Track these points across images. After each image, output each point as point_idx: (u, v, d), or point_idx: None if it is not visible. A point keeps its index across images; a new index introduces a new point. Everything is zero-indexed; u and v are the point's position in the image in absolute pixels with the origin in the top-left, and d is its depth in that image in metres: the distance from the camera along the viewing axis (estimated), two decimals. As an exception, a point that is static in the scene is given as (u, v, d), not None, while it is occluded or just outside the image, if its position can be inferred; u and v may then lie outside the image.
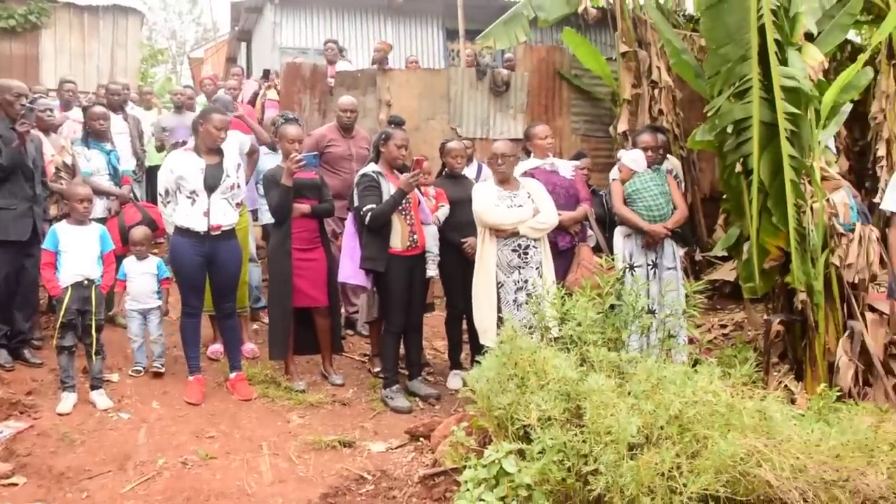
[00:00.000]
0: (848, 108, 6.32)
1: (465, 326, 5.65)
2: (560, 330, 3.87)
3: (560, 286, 4.26)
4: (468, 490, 3.11)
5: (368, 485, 3.92)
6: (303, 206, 5.26)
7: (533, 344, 3.60)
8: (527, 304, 4.79)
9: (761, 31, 4.59)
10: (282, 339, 5.30)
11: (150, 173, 7.67)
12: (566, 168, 5.55)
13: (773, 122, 4.67)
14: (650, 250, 5.34)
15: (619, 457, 2.86)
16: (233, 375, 5.19)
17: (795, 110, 4.64)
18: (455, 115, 8.63)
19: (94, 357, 4.82)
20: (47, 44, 13.87)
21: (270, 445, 4.41)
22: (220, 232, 4.91)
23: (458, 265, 5.38)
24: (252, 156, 5.97)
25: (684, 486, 2.77)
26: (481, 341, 4.96)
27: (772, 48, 4.58)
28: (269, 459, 4.24)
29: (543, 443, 3.02)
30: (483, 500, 3.05)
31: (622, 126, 8.06)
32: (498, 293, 4.94)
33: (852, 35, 8.51)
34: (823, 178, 5.22)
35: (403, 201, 5.07)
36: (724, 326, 6.98)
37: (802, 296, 4.95)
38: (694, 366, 3.53)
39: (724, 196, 5.36)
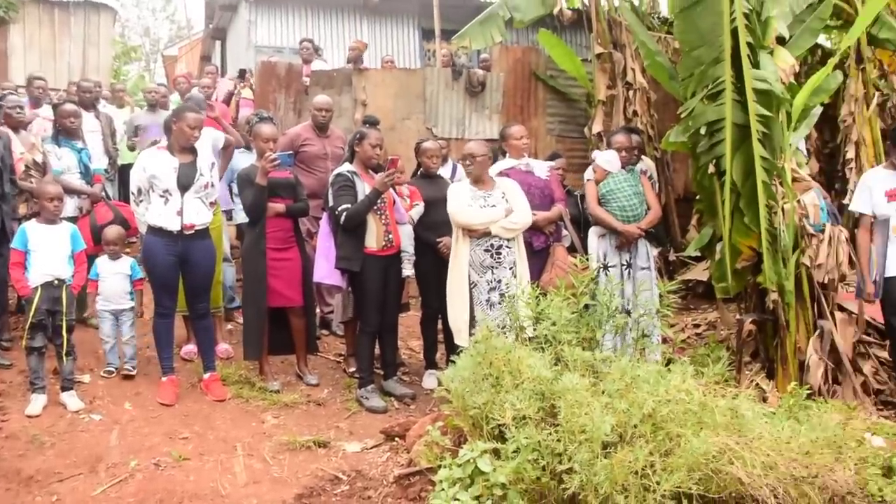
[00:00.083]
0: (818, 110, 6.42)
1: (440, 326, 5.65)
2: (535, 329, 3.89)
3: (535, 286, 4.27)
4: (443, 489, 3.12)
5: (343, 485, 3.91)
6: (277, 206, 5.23)
7: (508, 343, 3.61)
8: (500, 304, 4.81)
9: (734, 34, 4.65)
10: (256, 339, 5.27)
11: (123, 172, 7.59)
12: (541, 168, 5.57)
13: (746, 124, 4.73)
14: (624, 250, 5.38)
15: (594, 455, 2.88)
16: (206, 376, 5.15)
17: (767, 112, 4.70)
18: (431, 115, 8.63)
19: (64, 358, 4.76)
20: (16, 39, 13.67)
21: (245, 446, 4.38)
22: (193, 231, 4.87)
23: (434, 265, 5.38)
24: (227, 150, 5.91)
25: (657, 484, 2.79)
26: (456, 341, 4.97)
27: (744, 51, 4.64)
28: (244, 460, 4.21)
29: (518, 442, 3.03)
30: (458, 500, 3.05)
31: (597, 127, 8.10)
32: (471, 293, 4.96)
33: (822, 39, 8.61)
34: (794, 180, 5.29)
35: (378, 201, 5.06)
36: (697, 326, 7.04)
37: (774, 295, 5.01)
38: (667, 365, 3.56)
39: (698, 197, 5.42)
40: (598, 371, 3.50)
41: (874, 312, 5.35)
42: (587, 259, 5.17)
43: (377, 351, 5.41)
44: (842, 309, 5.46)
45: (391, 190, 5.21)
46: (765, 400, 4.72)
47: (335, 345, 6.45)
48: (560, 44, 8.70)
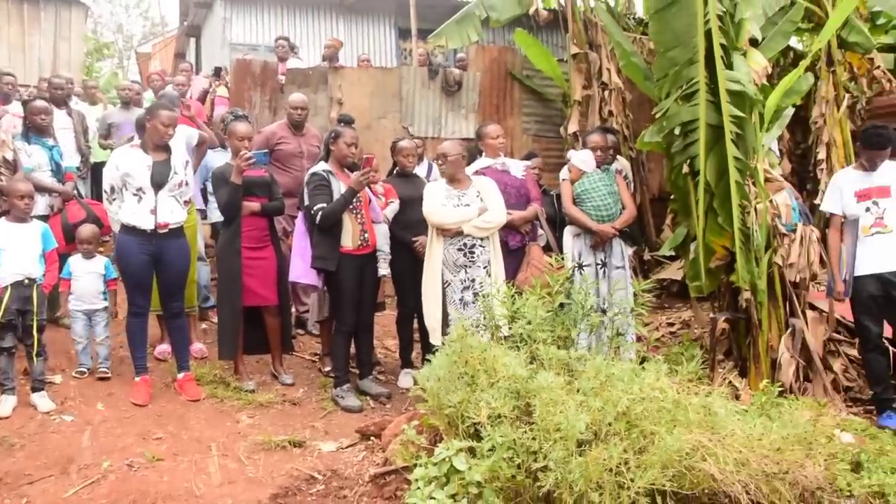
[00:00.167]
0: (790, 112, 6.50)
1: (416, 325, 5.65)
2: (510, 328, 3.90)
3: (510, 285, 4.29)
4: (419, 488, 3.12)
5: (319, 484, 3.90)
6: (252, 205, 5.20)
7: (483, 342, 3.62)
8: (474, 303, 4.83)
9: (708, 35, 4.69)
10: (231, 338, 5.24)
11: (96, 170, 7.49)
12: (517, 168, 5.59)
13: (719, 125, 4.77)
14: (599, 250, 5.41)
15: (568, 453, 2.90)
16: (181, 376, 5.11)
17: (740, 113, 4.75)
18: (407, 114, 8.62)
19: (35, 358, 4.69)
20: (-17, 33, 13.46)
21: (219, 446, 4.34)
22: (167, 230, 4.83)
23: (409, 264, 5.37)
24: (200, 147, 5.87)
25: (632, 481, 2.82)
26: (431, 340, 4.98)
27: (718, 52, 4.68)
28: (218, 460, 4.18)
29: (493, 440, 3.05)
30: (434, 498, 3.06)
31: (573, 127, 8.15)
32: (445, 292, 4.96)
33: (794, 42, 8.72)
34: (767, 180, 5.36)
35: (354, 200, 5.05)
36: (671, 325, 7.10)
37: (747, 294, 5.07)
38: (641, 363, 3.59)
39: (672, 196, 5.46)
40: (572, 369, 3.52)
41: (844, 311, 5.42)
42: (562, 258, 5.20)
43: (353, 350, 5.40)
44: (813, 308, 5.53)
45: (366, 189, 5.20)
46: (738, 397, 4.77)
47: (311, 344, 6.43)
48: (536, 44, 8.74)
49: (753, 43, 5.43)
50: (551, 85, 9.02)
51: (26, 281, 4.67)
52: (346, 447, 4.35)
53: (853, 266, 5.03)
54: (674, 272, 7.71)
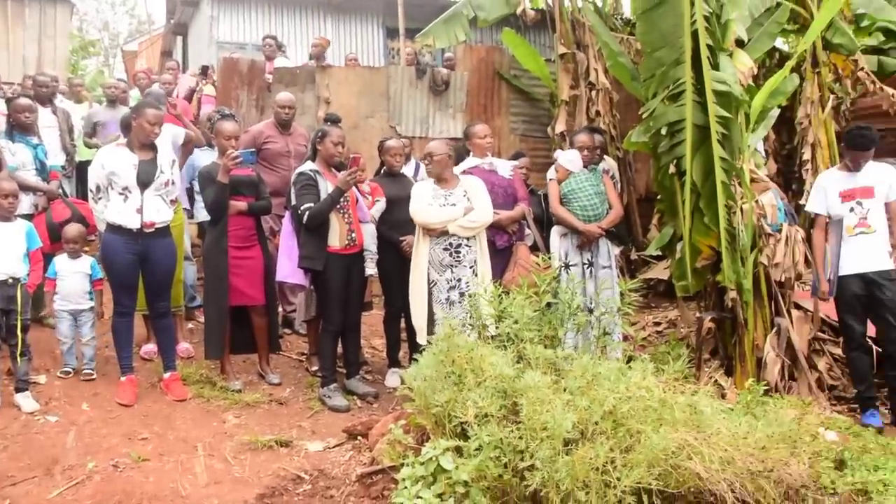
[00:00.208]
0: (776, 112, 6.53)
1: (403, 325, 5.65)
2: (497, 328, 3.91)
3: (497, 284, 4.29)
4: (406, 488, 3.12)
5: (306, 484, 3.89)
6: (239, 204, 5.19)
7: (470, 342, 3.63)
8: (460, 302, 4.83)
9: (694, 36, 4.71)
10: (218, 338, 5.22)
11: (81, 169, 7.45)
12: (505, 167, 5.59)
13: (705, 125, 4.80)
14: (585, 249, 5.43)
15: (555, 452, 2.91)
16: (167, 375, 5.08)
17: (726, 114, 4.78)
18: (394, 113, 8.62)
19: (19, 358, 4.66)
20: (-34, 31, 13.34)
21: (205, 446, 4.33)
22: (153, 229, 4.80)
23: (397, 264, 5.37)
24: (187, 146, 5.84)
25: (618, 479, 2.83)
26: (417, 340, 4.98)
27: (704, 53, 4.71)
28: (204, 460, 4.16)
29: (480, 439, 3.05)
30: (421, 498, 3.06)
31: (560, 126, 8.17)
32: (431, 291, 4.96)
33: (780, 43, 8.78)
34: (752, 180, 5.39)
35: (341, 199, 5.04)
36: (658, 324, 7.14)
37: (732, 294, 5.10)
38: (628, 362, 3.60)
39: (659, 196, 5.48)
40: (559, 369, 3.53)
41: (829, 310, 5.47)
42: (549, 258, 5.21)
43: (340, 350, 5.39)
44: (798, 307, 5.58)
45: (354, 188, 5.20)
46: (723, 396, 4.80)
47: (298, 344, 6.42)
48: (524, 43, 8.76)
49: (739, 44, 5.45)
50: (539, 85, 9.04)
51: (10, 280, 4.63)
52: (333, 447, 4.35)
53: (837, 266, 5.07)
54: (660, 272, 7.75)
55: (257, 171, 5.50)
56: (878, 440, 4.06)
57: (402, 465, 3.27)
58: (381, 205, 5.48)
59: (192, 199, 6.47)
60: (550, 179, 5.65)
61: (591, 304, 5.15)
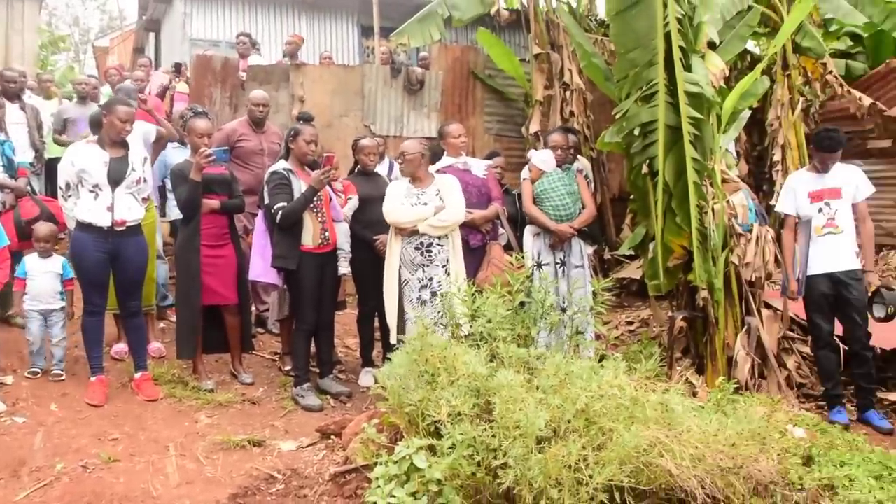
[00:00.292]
0: (747, 114, 6.63)
1: (377, 324, 5.64)
2: (470, 327, 3.92)
3: (471, 283, 4.30)
4: (379, 486, 3.11)
5: (279, 484, 3.87)
6: (212, 202, 5.15)
7: (443, 341, 3.63)
8: (431, 301, 4.83)
9: (667, 37, 4.75)
10: (190, 337, 5.18)
11: (50, 166, 7.35)
12: (479, 167, 5.61)
13: (678, 126, 4.84)
14: (558, 249, 5.46)
15: (528, 450, 2.92)
16: (138, 375, 5.03)
17: (698, 115, 4.82)
18: (369, 112, 8.60)
19: (-14, 358, 4.59)
20: (-71, 24, 13.07)
21: (177, 446, 4.29)
22: (124, 227, 4.75)
23: (370, 263, 5.36)
24: (158, 142, 5.79)
25: (590, 477, 2.85)
26: (390, 339, 4.98)
27: (677, 54, 4.74)
28: (176, 461, 4.13)
29: (453, 438, 3.05)
30: (394, 497, 3.05)
31: (534, 126, 8.20)
32: (403, 290, 4.96)
33: (751, 46, 8.90)
34: (724, 181, 5.45)
35: (315, 198, 5.02)
36: (630, 323, 7.19)
37: (704, 293, 5.15)
38: (600, 361, 3.63)
39: (632, 196, 5.52)
40: (532, 367, 3.54)
41: (798, 309, 5.54)
42: (523, 257, 5.22)
43: (313, 349, 5.37)
44: (768, 306, 5.64)
45: (327, 187, 5.18)
46: (695, 394, 4.85)
47: (271, 343, 6.38)
48: (499, 43, 8.78)
49: (711, 46, 5.52)
50: (513, 85, 9.07)
51: (-23, 279, 4.56)
52: (307, 446, 4.33)
53: (806, 266, 5.14)
54: (633, 271, 7.80)
55: (230, 170, 5.46)
56: (844, 436, 4.12)
57: (376, 464, 3.26)
58: (353, 203, 5.47)
59: (164, 197, 6.41)
60: (524, 179, 5.68)
61: (563, 303, 5.18)
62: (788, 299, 5.38)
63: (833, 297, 5.06)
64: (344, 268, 5.32)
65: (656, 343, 5.88)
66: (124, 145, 4.82)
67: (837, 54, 9.77)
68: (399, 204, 5.00)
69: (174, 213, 6.06)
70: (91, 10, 31.42)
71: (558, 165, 5.60)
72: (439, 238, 4.96)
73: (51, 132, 7.60)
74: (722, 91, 5.36)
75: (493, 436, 3.03)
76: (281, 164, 5.16)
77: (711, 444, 3.01)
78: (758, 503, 3.08)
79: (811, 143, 5.57)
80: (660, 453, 2.91)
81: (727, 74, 5.56)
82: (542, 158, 5.60)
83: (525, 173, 5.69)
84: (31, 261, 5.10)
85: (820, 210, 5.13)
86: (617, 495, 2.88)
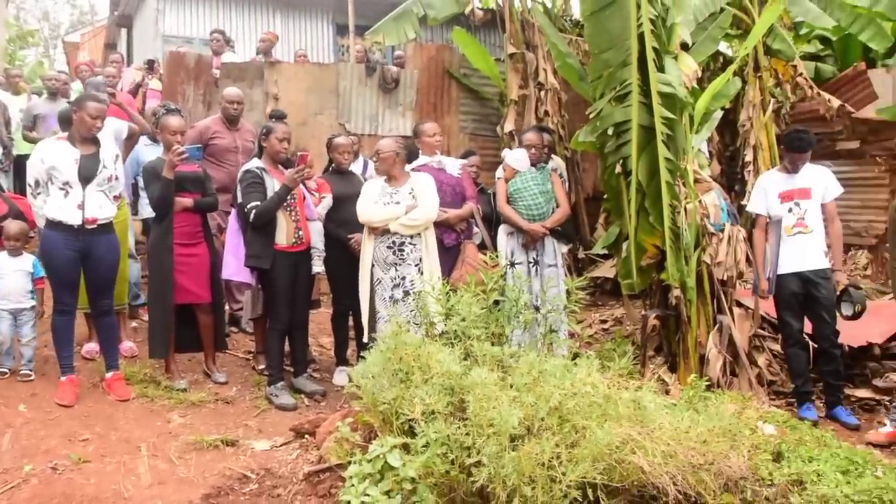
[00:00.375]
0: (719, 115, 6.70)
1: (351, 323, 5.63)
2: (445, 325, 3.92)
3: (445, 282, 4.31)
4: (353, 485, 3.11)
5: (252, 484, 3.85)
6: (185, 200, 5.11)
7: (417, 339, 3.63)
8: (403, 301, 4.83)
9: (641, 38, 4.79)
10: (162, 336, 5.13)
11: (19, 163, 7.24)
12: (453, 166, 5.62)
13: (651, 126, 4.88)
14: (531, 248, 5.49)
15: (501, 448, 2.93)
16: (109, 375, 4.97)
17: (671, 115, 4.87)
18: (344, 110, 8.58)
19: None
20: None
21: (149, 446, 4.25)
22: (95, 226, 4.70)
23: (345, 262, 5.35)
24: (130, 139, 5.73)
25: (563, 474, 2.86)
26: (364, 338, 4.97)
27: (650, 55, 4.79)
28: (148, 461, 4.09)
29: (427, 436, 3.05)
30: (368, 495, 3.05)
31: (509, 126, 8.23)
32: (375, 289, 4.96)
33: (724, 47, 8.99)
34: (696, 181, 5.50)
35: (288, 197, 5.00)
36: (604, 322, 7.24)
37: (676, 292, 5.20)
38: (574, 359, 3.65)
39: (605, 196, 5.56)
40: (506, 366, 3.55)
41: (768, 308, 5.61)
42: (497, 256, 5.24)
43: (287, 348, 5.35)
44: (739, 305, 5.71)
45: (301, 186, 5.16)
46: (668, 392, 4.90)
47: (245, 342, 6.34)
48: (474, 43, 8.79)
49: (684, 47, 5.56)
50: (488, 84, 9.08)
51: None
52: (280, 446, 4.31)
53: (776, 265, 5.20)
54: (607, 270, 7.86)
55: (203, 167, 5.42)
56: (813, 433, 4.18)
57: (350, 462, 3.26)
58: (327, 202, 5.45)
59: (136, 195, 6.35)
60: (498, 178, 5.70)
61: (537, 301, 5.20)
62: (759, 298, 5.44)
63: (802, 296, 5.13)
64: (318, 267, 5.30)
65: (630, 341, 5.94)
66: (95, 142, 4.76)
67: (807, 57, 9.92)
68: (372, 203, 4.99)
69: (146, 211, 5.99)
70: (61, 5, 31.00)
71: (533, 164, 5.62)
72: (412, 237, 4.95)
73: (20, 128, 7.49)
74: (694, 92, 5.41)
75: (467, 434, 3.03)
76: (254, 163, 5.13)
77: (683, 441, 3.03)
78: (728, 499, 3.12)
79: (782, 143, 5.64)
80: (632, 450, 2.93)
81: (700, 75, 5.62)
82: (515, 158, 5.62)
83: (500, 172, 5.71)
84: (0, 259, 5.02)
85: (790, 210, 5.20)
86: (590, 492, 2.90)
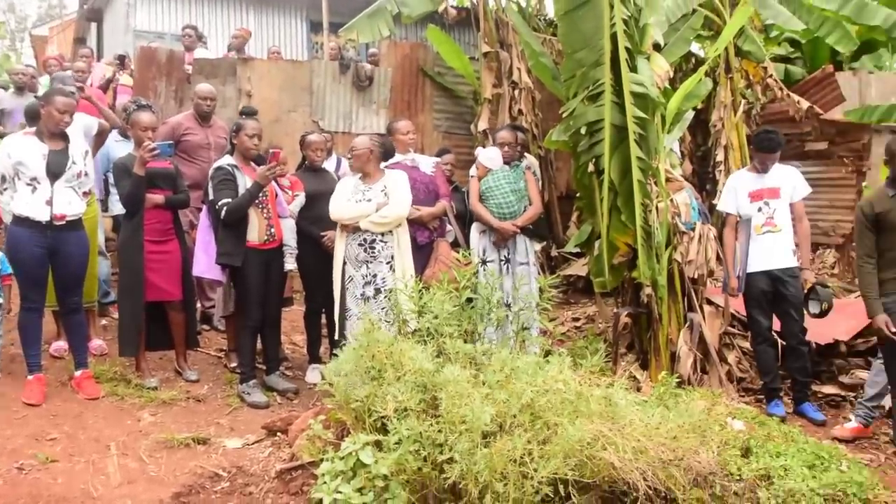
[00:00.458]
0: (690, 115, 6.76)
1: (324, 320, 5.61)
2: (417, 323, 3.93)
3: (418, 280, 4.31)
4: (325, 483, 3.10)
5: (224, 482, 3.83)
6: (156, 197, 5.06)
7: (390, 337, 3.64)
8: (374, 298, 4.83)
9: (614, 38, 4.82)
10: (133, 334, 5.08)
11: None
12: (427, 164, 5.61)
13: (623, 126, 4.92)
14: (502, 246, 5.51)
15: (474, 445, 2.94)
16: (78, 373, 4.91)
17: (643, 115, 4.91)
18: (317, 108, 8.54)
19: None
20: None
21: (119, 445, 4.21)
22: (64, 222, 4.64)
23: (317, 259, 5.33)
24: (100, 136, 5.66)
25: (535, 471, 2.88)
26: (336, 335, 4.97)
27: (623, 55, 4.82)
28: (118, 460, 4.05)
29: (400, 433, 3.06)
30: (340, 492, 3.05)
31: (483, 124, 8.25)
32: (347, 287, 4.95)
33: (696, 48, 9.09)
34: (668, 180, 5.56)
35: (260, 194, 4.97)
36: (576, 320, 7.29)
37: (648, 290, 5.25)
38: (546, 357, 3.67)
39: (578, 194, 5.59)
40: (478, 363, 3.57)
41: (738, 306, 5.68)
42: (470, 254, 5.25)
43: (260, 346, 5.32)
44: (710, 302, 5.78)
45: (273, 183, 5.13)
46: (639, 389, 4.94)
47: (216, 340, 6.30)
48: (448, 41, 8.79)
49: (657, 47, 5.61)
50: (462, 82, 9.09)
51: None
52: (252, 443, 4.29)
53: (746, 263, 5.27)
54: (579, 268, 7.91)
55: (175, 164, 5.37)
56: (780, 428, 4.24)
57: (322, 460, 3.25)
58: (300, 200, 5.43)
59: (106, 192, 6.28)
60: (472, 176, 5.71)
61: (508, 299, 5.22)
62: (729, 296, 5.50)
63: (771, 294, 5.20)
64: (290, 264, 5.28)
65: (602, 339, 5.98)
66: (64, 138, 4.70)
67: (777, 59, 10.07)
68: (345, 200, 4.98)
69: (117, 207, 5.93)
70: (29, -3, 30.49)
71: (506, 163, 5.64)
72: (383, 235, 4.93)
73: (-14, 123, 7.36)
74: (666, 92, 5.46)
75: (440, 431, 3.04)
76: (226, 160, 5.10)
77: (653, 437, 3.06)
78: (697, 494, 3.15)
79: (752, 144, 5.71)
80: (603, 447, 2.95)
81: (672, 76, 5.67)
82: (488, 156, 5.63)
83: (473, 170, 5.72)
84: (-35, 256, 4.94)
85: (759, 209, 5.27)
86: (561, 488, 2.92)
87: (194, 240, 5.42)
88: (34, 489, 3.67)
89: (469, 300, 4.19)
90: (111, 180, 5.87)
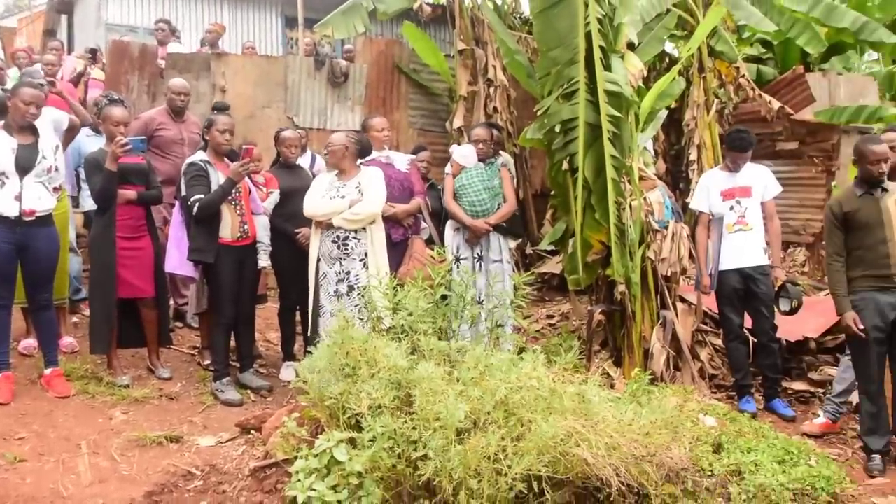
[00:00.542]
0: (664, 114, 6.81)
1: (298, 318, 5.59)
2: (392, 320, 3.92)
3: (392, 277, 4.30)
4: (299, 480, 3.10)
5: (197, 480, 3.80)
6: (128, 193, 5.01)
7: (364, 334, 3.63)
8: (348, 295, 4.82)
9: (588, 37, 4.85)
10: (104, 331, 5.02)
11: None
12: (402, 161, 5.61)
13: (598, 124, 4.95)
14: (475, 244, 5.52)
15: (448, 442, 2.95)
16: (48, 371, 4.85)
17: (617, 113, 4.94)
18: (292, 104, 8.49)
19: None
20: None
21: (90, 444, 4.16)
22: (34, 218, 4.57)
23: (292, 256, 5.30)
24: (71, 131, 5.58)
25: (509, 467, 2.90)
26: (309, 333, 4.95)
27: (597, 54, 4.85)
28: (89, 459, 4.00)
29: (374, 431, 3.06)
30: (314, 490, 3.04)
31: (458, 122, 8.26)
32: (321, 284, 4.93)
33: (669, 48, 9.15)
34: (641, 178, 5.60)
35: (233, 191, 4.94)
36: (551, 317, 7.32)
37: (621, 287, 5.29)
38: (520, 354, 3.69)
39: (553, 192, 5.62)
40: (453, 360, 3.58)
41: (710, 303, 5.74)
42: (444, 251, 5.26)
43: (233, 343, 5.28)
44: (683, 300, 5.83)
45: (246, 179, 5.10)
46: (612, 386, 4.98)
47: (190, 337, 6.25)
48: (424, 38, 8.78)
49: (631, 47, 5.65)
50: (438, 80, 9.09)
51: None
52: (226, 441, 4.26)
53: (718, 261, 5.33)
54: (554, 266, 7.95)
55: (147, 159, 5.31)
56: (751, 424, 4.30)
57: (296, 457, 3.24)
58: (274, 197, 5.40)
59: (78, 187, 6.19)
60: (447, 174, 5.72)
61: (481, 297, 5.23)
62: (702, 294, 5.56)
63: (743, 292, 5.26)
64: (264, 261, 5.25)
65: (575, 336, 6.02)
66: (34, 132, 4.63)
67: (750, 59, 10.18)
68: (319, 196, 4.96)
69: (88, 203, 5.85)
70: (-3, -11, 29.93)
71: (481, 160, 5.65)
72: (356, 231, 4.91)
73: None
74: (640, 91, 5.50)
75: (414, 428, 3.05)
76: (199, 156, 5.06)
77: (626, 434, 3.09)
78: (670, 489, 3.19)
79: (724, 143, 5.77)
80: (576, 443, 2.98)
81: (645, 75, 5.72)
82: (462, 154, 5.64)
83: (448, 168, 5.73)
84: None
85: (731, 208, 5.32)
86: (535, 485, 2.94)
87: (167, 236, 5.37)
88: (2, 489, 3.61)
89: (443, 297, 4.20)
90: (82, 175, 5.79)
